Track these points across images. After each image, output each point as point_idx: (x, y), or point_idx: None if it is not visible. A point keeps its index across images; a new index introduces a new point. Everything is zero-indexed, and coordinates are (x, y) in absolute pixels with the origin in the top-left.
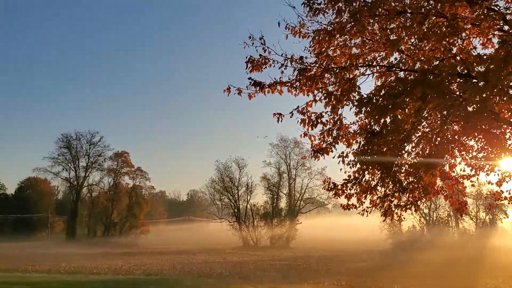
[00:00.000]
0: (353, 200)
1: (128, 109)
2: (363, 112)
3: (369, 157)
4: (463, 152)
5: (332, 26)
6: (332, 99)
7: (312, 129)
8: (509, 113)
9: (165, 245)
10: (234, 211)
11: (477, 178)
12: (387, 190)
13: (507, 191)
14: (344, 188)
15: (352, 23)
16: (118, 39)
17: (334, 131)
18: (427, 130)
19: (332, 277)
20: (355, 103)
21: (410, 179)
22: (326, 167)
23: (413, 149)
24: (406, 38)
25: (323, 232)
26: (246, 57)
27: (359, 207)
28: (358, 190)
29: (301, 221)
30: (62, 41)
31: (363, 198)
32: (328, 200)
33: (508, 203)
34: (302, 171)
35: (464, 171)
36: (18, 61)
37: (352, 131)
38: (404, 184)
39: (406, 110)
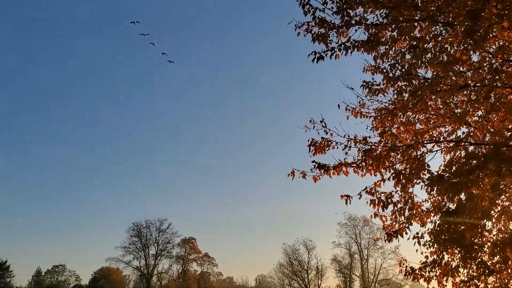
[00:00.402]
0: (434, 284)
1: (193, 195)
2: (435, 190)
3: (446, 237)
4: None
5: (393, 104)
6: (401, 178)
7: (383, 210)
8: None
9: None
10: None
11: None
12: (470, 272)
13: None
14: (423, 272)
15: (414, 101)
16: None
17: (406, 211)
18: (507, 204)
19: None
20: (425, 182)
21: (495, 259)
22: (399, 245)
23: (494, 226)
24: (472, 111)
25: None
26: (308, 140)
27: None
28: (438, 273)
29: None
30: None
31: (445, 281)
32: (405, 281)
33: None
34: (374, 251)
35: None
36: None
37: (425, 209)
38: (489, 265)
39: (482, 186)
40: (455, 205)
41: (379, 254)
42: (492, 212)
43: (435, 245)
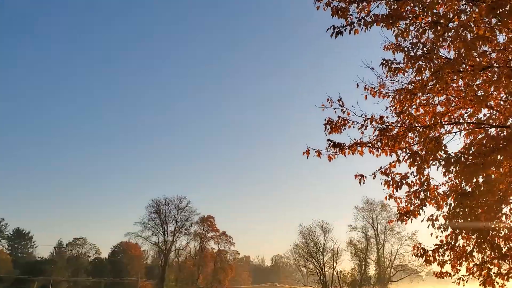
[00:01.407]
0: (447, 268)
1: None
2: (452, 171)
3: (461, 220)
4: None
5: (413, 84)
6: (417, 159)
7: (397, 190)
8: None
9: None
10: (319, 278)
11: None
12: (484, 257)
13: None
14: (436, 255)
15: (434, 81)
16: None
17: (422, 193)
18: None
19: None
20: (442, 163)
21: (511, 245)
22: (417, 232)
23: (511, 211)
24: (495, 93)
25: None
26: (325, 119)
27: (454, 275)
28: (452, 257)
29: None
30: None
31: (458, 265)
32: (421, 267)
33: None
34: (391, 236)
35: None
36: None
37: (442, 193)
38: (503, 251)
39: (500, 169)
40: (471, 188)
41: (396, 239)
42: (510, 198)
43: (450, 229)
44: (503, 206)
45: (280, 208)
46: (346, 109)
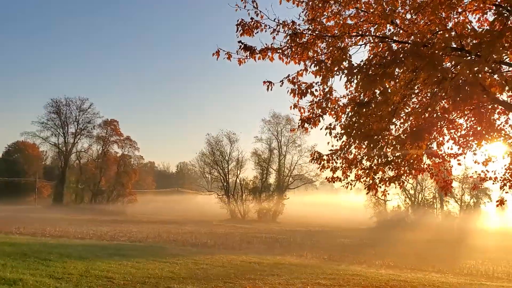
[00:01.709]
0: (338, 173)
1: (119, 78)
2: (353, 81)
3: (355, 129)
4: (452, 130)
5: None
6: (323, 68)
7: (301, 98)
8: (501, 91)
9: (152, 215)
10: (223, 185)
11: (464, 157)
12: (372, 164)
13: (492, 171)
14: (330, 160)
15: None
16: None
17: (323, 103)
18: (417, 106)
19: (315, 251)
20: (345, 72)
21: (397, 154)
22: (316, 145)
23: (402, 126)
24: (402, 12)
25: (310, 208)
26: (238, 20)
27: (343, 180)
28: (344, 164)
29: (289, 197)
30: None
31: (348, 171)
32: (316, 177)
33: (493, 183)
34: (292, 148)
35: (451, 149)
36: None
37: (341, 105)
38: (389, 158)
39: (397, 82)
40: (368, 98)
41: (297, 151)
42: (402, 113)
43: (345, 137)
44: (394, 120)
45: (188, 117)
46: (260, 11)
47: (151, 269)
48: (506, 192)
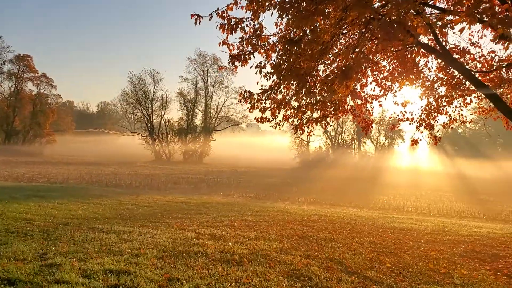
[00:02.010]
0: (267, 114)
1: (33, 12)
2: (284, 17)
3: (285, 68)
4: (375, 72)
5: None
6: (254, 1)
7: (231, 34)
8: (425, 33)
9: (72, 156)
10: (147, 126)
11: (385, 99)
12: (300, 104)
13: (409, 112)
14: (260, 100)
15: None
16: None
17: (254, 40)
18: (344, 48)
19: (242, 191)
20: (277, 7)
21: (324, 94)
22: (243, 86)
23: (329, 67)
24: None
25: (236, 149)
26: None
27: (272, 120)
28: (273, 104)
29: (215, 138)
30: None
31: (277, 112)
32: (243, 119)
33: (410, 124)
34: (219, 89)
35: (374, 91)
36: None
37: (272, 43)
38: (318, 98)
39: (327, 20)
40: (299, 36)
41: (223, 92)
42: (330, 54)
43: (275, 77)
44: (323, 60)
45: (109, 54)
46: None
47: (73, 210)
48: (421, 132)
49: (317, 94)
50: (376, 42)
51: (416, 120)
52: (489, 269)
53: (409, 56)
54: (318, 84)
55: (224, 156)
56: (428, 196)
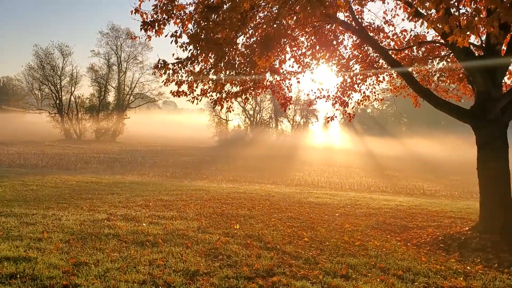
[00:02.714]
0: (184, 87)
1: None
2: None
3: (203, 37)
4: (294, 48)
5: None
6: None
7: (143, 0)
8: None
9: None
10: (55, 102)
11: (303, 76)
12: (219, 77)
13: (326, 89)
14: (176, 72)
15: None
16: None
17: (169, 6)
18: (263, 21)
19: (158, 170)
20: None
21: (244, 68)
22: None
23: (249, 40)
24: None
25: (152, 128)
26: None
27: (189, 94)
28: (190, 76)
29: (130, 116)
30: None
31: (195, 85)
32: (159, 96)
33: (326, 101)
34: (133, 65)
35: (292, 67)
36: None
37: (188, 13)
38: (238, 71)
39: None
40: (217, 3)
41: (138, 68)
42: (249, 27)
43: (192, 47)
44: (240, 34)
45: (11, 26)
46: None
47: None
48: (336, 109)
49: (236, 67)
50: (294, 17)
51: (332, 98)
52: (400, 240)
53: (326, 33)
54: (238, 58)
55: (140, 134)
56: (340, 172)
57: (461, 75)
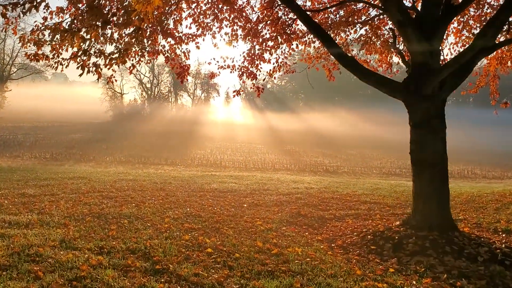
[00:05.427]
0: (47, 50)
1: None
2: None
3: None
4: (192, 5)
5: None
6: None
7: None
8: None
9: None
10: None
11: (203, 40)
12: (91, 34)
13: (231, 59)
14: (37, 28)
15: None
16: None
17: None
18: None
19: (38, 150)
20: None
21: (120, 18)
22: (35, 22)
23: None
24: None
25: (39, 102)
26: None
27: (52, 58)
28: (57, 38)
29: (11, 89)
30: None
31: (63, 47)
32: (46, 67)
33: (231, 72)
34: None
35: (190, 28)
36: None
37: None
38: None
39: None
40: None
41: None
42: None
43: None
44: None
45: None
46: None
47: None
48: (243, 82)
49: (105, 14)
50: None
51: (238, 68)
52: (322, 240)
53: None
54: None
55: (24, 110)
56: (242, 148)
57: (388, 43)
